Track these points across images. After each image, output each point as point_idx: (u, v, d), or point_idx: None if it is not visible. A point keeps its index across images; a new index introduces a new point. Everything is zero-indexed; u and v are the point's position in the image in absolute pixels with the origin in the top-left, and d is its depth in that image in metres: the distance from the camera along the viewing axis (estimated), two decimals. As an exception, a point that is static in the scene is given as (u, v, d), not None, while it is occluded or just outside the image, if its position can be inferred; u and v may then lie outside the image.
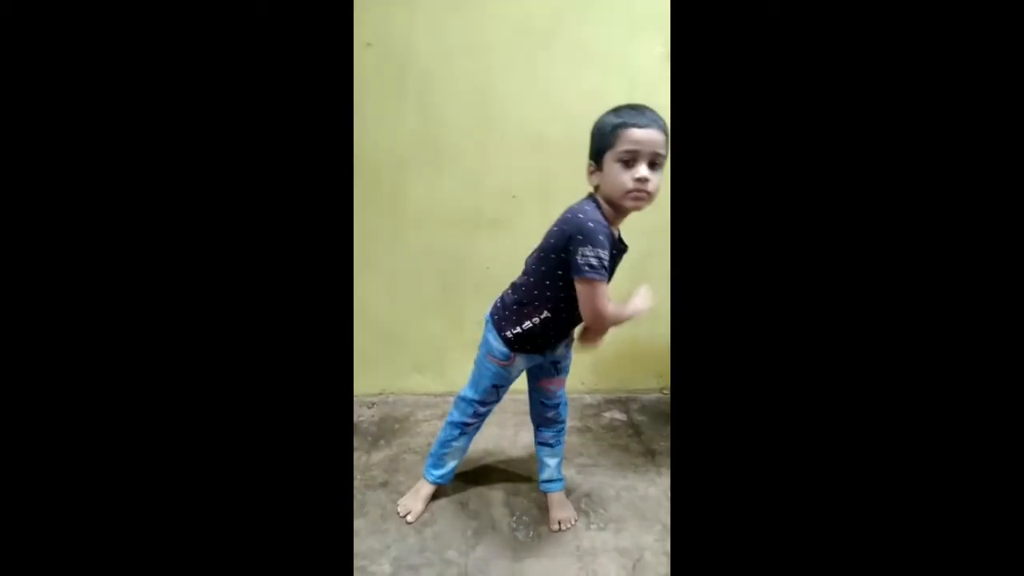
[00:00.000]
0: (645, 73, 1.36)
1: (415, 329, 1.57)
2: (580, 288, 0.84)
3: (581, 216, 0.82)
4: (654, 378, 1.67)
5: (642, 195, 0.81)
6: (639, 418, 1.55)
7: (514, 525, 1.12)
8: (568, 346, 1.06)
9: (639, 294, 0.92)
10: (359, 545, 1.05)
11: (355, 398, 1.58)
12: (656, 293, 0.92)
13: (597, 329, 0.92)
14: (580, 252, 0.81)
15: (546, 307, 0.92)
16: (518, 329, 0.96)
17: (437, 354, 1.59)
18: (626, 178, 0.80)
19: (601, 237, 0.81)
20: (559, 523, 1.12)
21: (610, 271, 0.87)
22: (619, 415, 1.57)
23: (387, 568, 1.00)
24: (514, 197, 1.46)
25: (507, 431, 1.45)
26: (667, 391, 1.68)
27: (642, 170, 0.79)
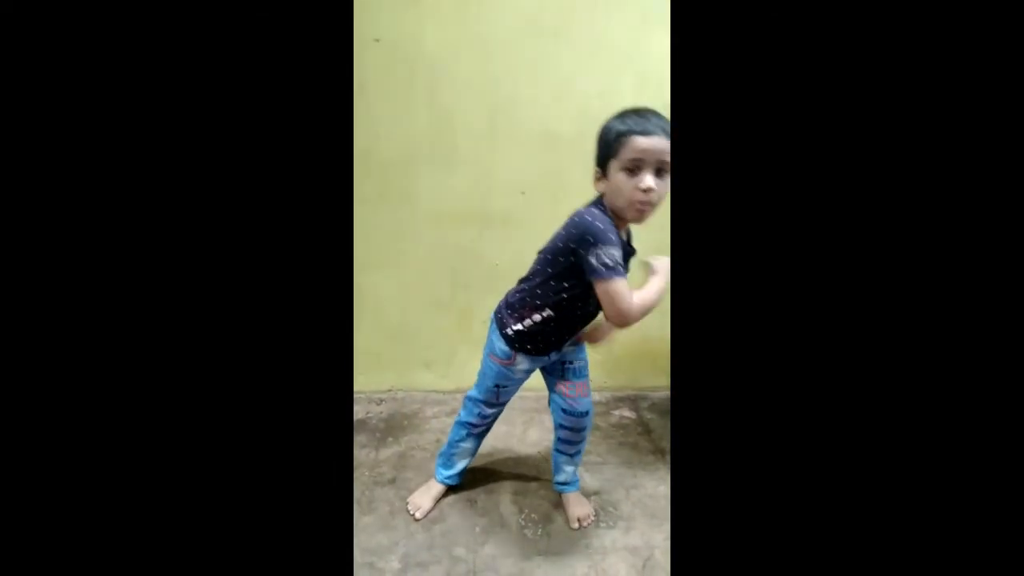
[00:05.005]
0: (656, 68, 1.34)
1: (424, 325, 1.57)
2: (600, 290, 0.81)
3: (588, 218, 0.80)
4: (664, 376, 1.66)
5: (645, 206, 0.79)
6: (649, 416, 1.54)
7: (523, 523, 1.12)
8: (578, 345, 1.04)
9: (656, 268, 0.88)
10: (368, 541, 1.05)
11: (364, 394, 1.59)
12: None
13: (622, 326, 0.86)
14: (593, 254, 0.78)
15: (548, 306, 0.91)
16: (519, 326, 0.95)
17: (446, 351, 1.59)
18: (630, 188, 0.78)
19: (612, 236, 0.79)
20: (579, 520, 1.11)
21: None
22: (628, 413, 1.56)
23: (396, 564, 1.00)
24: (523, 194, 1.45)
25: (516, 429, 1.44)
26: (677, 389, 1.67)
27: (647, 180, 0.77)
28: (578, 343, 1.04)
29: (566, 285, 0.88)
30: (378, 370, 1.59)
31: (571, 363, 1.04)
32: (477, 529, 1.10)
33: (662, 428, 1.48)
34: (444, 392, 1.60)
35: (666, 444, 1.40)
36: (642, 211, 0.80)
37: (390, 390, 1.62)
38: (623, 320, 0.82)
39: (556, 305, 0.91)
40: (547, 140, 1.40)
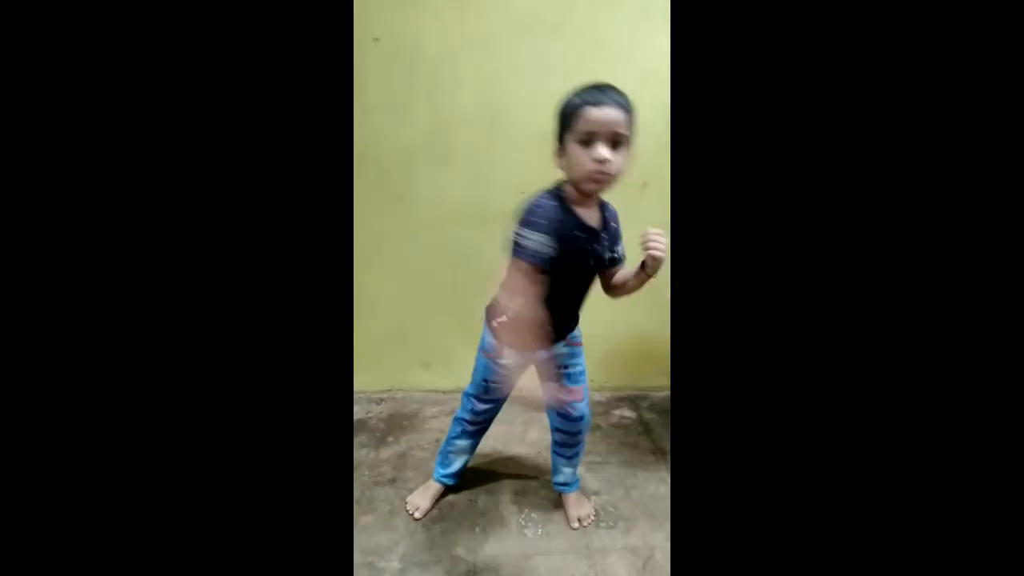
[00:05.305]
0: (656, 65, 1.34)
1: (423, 325, 1.57)
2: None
3: (532, 201, 0.82)
4: (664, 376, 1.66)
5: (601, 176, 0.78)
6: (649, 416, 1.54)
7: (523, 522, 1.12)
8: (574, 350, 1.04)
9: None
10: (368, 541, 1.05)
11: (364, 394, 1.59)
12: (663, 290, 0.89)
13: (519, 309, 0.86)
14: (515, 231, 0.80)
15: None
16: (502, 318, 0.95)
17: (445, 350, 1.59)
18: (585, 159, 0.78)
19: (543, 222, 0.79)
20: (579, 520, 1.11)
21: (577, 256, 0.85)
22: (629, 413, 1.56)
23: (396, 564, 1.00)
24: (523, 193, 1.45)
25: (515, 428, 1.44)
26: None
27: (600, 151, 0.76)
28: (572, 346, 1.04)
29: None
30: (377, 370, 1.59)
31: (566, 367, 1.03)
32: (477, 529, 1.10)
33: (662, 428, 1.48)
34: (443, 392, 1.60)
35: (666, 444, 1.40)
36: (599, 182, 0.80)
37: (389, 389, 1.62)
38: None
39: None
40: (547, 140, 1.39)
